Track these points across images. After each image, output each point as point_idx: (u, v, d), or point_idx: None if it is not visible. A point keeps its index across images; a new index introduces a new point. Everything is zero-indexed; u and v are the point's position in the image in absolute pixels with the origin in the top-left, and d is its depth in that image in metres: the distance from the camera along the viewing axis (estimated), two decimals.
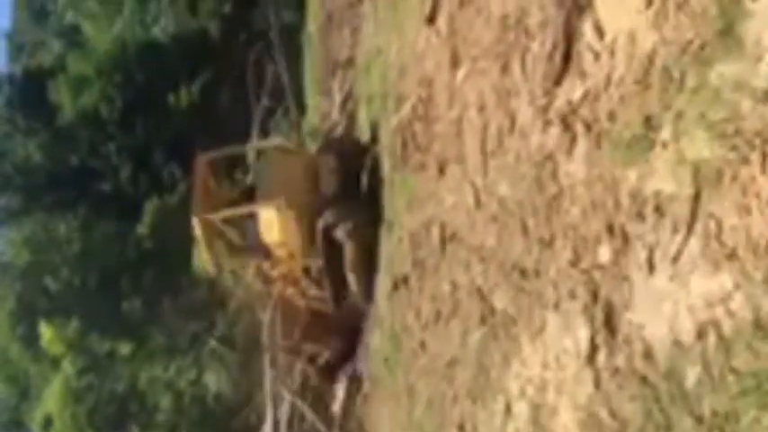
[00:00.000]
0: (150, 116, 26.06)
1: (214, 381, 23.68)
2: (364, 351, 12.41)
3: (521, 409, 5.54)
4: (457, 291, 7.22)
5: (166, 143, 25.78)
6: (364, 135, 12.90)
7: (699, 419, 3.32)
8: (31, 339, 24.67)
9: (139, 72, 26.61)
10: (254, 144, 15.85)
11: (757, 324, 3.05)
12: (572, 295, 4.59)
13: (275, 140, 15.63)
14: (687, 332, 3.48)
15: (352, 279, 11.71)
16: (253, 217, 12.31)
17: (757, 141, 3.04)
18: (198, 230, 12.05)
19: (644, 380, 3.76)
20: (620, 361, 4.03)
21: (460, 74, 6.71)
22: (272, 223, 11.77)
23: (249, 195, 12.38)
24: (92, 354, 25.62)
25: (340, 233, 11.43)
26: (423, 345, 8.69)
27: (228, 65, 24.43)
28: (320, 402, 13.66)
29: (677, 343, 3.53)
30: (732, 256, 3.18)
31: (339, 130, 15.01)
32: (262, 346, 16.43)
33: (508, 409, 5.81)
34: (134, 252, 25.90)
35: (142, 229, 25.53)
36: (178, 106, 26.00)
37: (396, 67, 10.06)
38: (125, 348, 25.20)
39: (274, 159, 12.77)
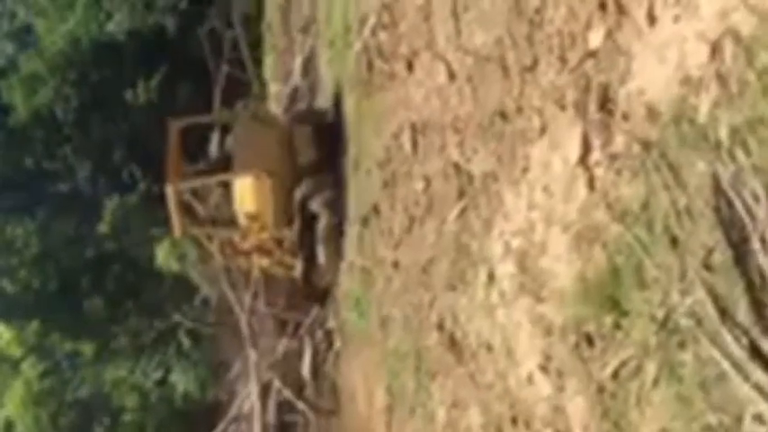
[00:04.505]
0: (107, 115, 25.49)
1: (181, 379, 23.07)
2: (332, 310, 12.18)
3: (505, 268, 5.18)
4: (430, 184, 6.87)
5: (125, 142, 25.23)
6: (327, 92, 12.62)
7: (717, 145, 2.98)
8: None
9: (94, 70, 26.04)
10: (230, 112, 15.47)
11: None
12: (560, 106, 4.24)
13: (251, 108, 15.72)
14: (698, 63, 3.14)
15: (321, 251, 11.53)
16: (221, 189, 12.14)
17: None
18: (170, 198, 11.79)
19: (647, 145, 3.41)
20: (617, 144, 3.69)
21: None
22: (247, 193, 11.63)
23: (223, 165, 12.13)
24: (53, 356, 24.88)
25: (316, 204, 11.32)
26: (396, 265, 8.32)
27: (186, 60, 24.03)
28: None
29: (686, 81, 3.20)
30: None
31: (301, 93, 14.69)
32: (234, 325, 16.09)
33: (491, 277, 5.45)
34: (94, 252, 25.26)
35: (102, 228, 24.90)
36: (136, 103, 25.46)
37: None
38: (88, 350, 24.50)
39: (250, 128, 12.54)
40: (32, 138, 26.14)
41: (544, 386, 4.62)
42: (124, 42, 26.75)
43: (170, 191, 11.67)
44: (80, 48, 27.05)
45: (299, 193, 11.40)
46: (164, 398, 23.65)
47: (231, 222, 12.27)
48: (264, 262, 12.83)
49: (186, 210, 12.14)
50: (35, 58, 26.85)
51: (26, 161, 26.15)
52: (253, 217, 11.76)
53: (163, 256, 22.56)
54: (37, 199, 26.23)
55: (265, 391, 14.08)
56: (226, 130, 13.11)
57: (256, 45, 21.26)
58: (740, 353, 2.83)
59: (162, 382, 23.64)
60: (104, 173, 25.49)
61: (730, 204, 2.92)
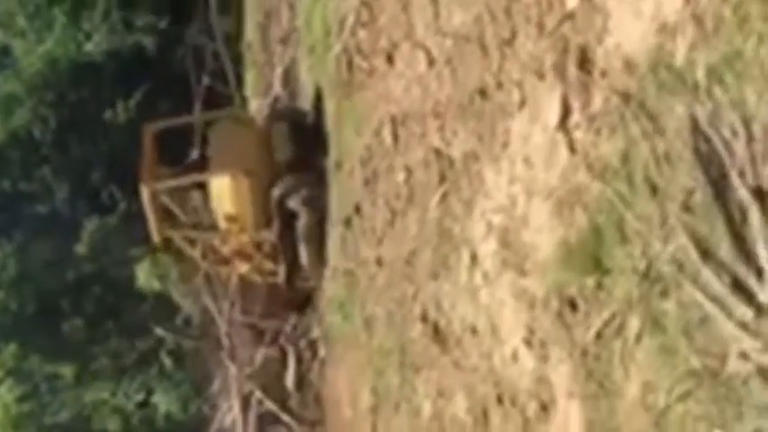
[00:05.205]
0: (86, 135, 25.36)
1: (163, 400, 22.80)
2: (315, 319, 12.09)
3: (488, 247, 5.16)
4: (412, 174, 6.86)
5: (104, 162, 25.09)
6: (308, 98, 12.62)
7: (694, 87, 2.99)
8: None
9: (73, 90, 25.92)
10: (206, 114, 15.04)
11: None
12: (539, 75, 4.26)
13: (228, 110, 15.26)
14: (674, 9, 3.17)
15: (303, 250, 11.37)
16: (199, 191, 11.93)
17: None
18: (145, 201, 11.60)
19: (625, 97, 3.43)
20: (596, 104, 3.71)
21: None
22: (224, 193, 11.46)
23: (200, 168, 11.92)
24: (32, 379, 24.54)
25: (294, 202, 11.17)
26: (379, 261, 8.28)
27: (166, 79, 23.99)
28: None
29: (662, 29, 3.22)
30: None
31: (281, 102, 14.70)
32: (215, 336, 15.95)
33: (474, 258, 5.43)
34: (74, 274, 25.03)
35: (82, 249, 24.69)
36: (115, 123, 25.37)
37: None
38: (68, 372, 24.19)
39: (227, 128, 12.42)
40: (9, 159, 25.91)
41: (528, 360, 4.60)
42: (103, 62, 26.66)
43: (145, 192, 11.47)
44: (58, 68, 26.92)
45: (276, 192, 11.22)
46: (146, 419, 23.32)
47: (212, 227, 12.08)
48: (244, 268, 12.63)
49: (165, 215, 11.93)
50: (12, 80, 26.69)
51: (3, 183, 25.91)
52: (232, 218, 11.60)
53: (143, 275, 22.32)
54: (14, 221, 25.94)
55: (246, 402, 13.91)
56: (207, 141, 13.05)
57: (237, 63, 21.30)
58: (722, 290, 2.82)
59: (144, 404, 23.32)
60: (83, 194, 25.27)
61: (708, 142, 2.94)
